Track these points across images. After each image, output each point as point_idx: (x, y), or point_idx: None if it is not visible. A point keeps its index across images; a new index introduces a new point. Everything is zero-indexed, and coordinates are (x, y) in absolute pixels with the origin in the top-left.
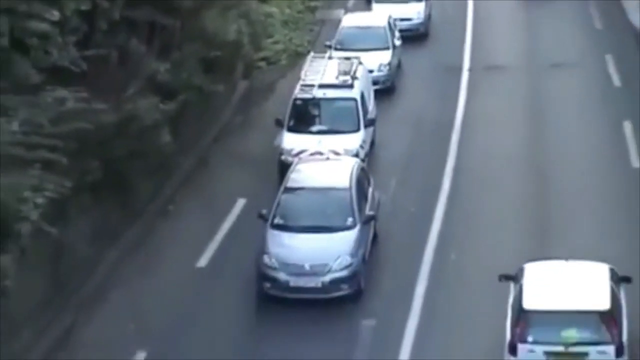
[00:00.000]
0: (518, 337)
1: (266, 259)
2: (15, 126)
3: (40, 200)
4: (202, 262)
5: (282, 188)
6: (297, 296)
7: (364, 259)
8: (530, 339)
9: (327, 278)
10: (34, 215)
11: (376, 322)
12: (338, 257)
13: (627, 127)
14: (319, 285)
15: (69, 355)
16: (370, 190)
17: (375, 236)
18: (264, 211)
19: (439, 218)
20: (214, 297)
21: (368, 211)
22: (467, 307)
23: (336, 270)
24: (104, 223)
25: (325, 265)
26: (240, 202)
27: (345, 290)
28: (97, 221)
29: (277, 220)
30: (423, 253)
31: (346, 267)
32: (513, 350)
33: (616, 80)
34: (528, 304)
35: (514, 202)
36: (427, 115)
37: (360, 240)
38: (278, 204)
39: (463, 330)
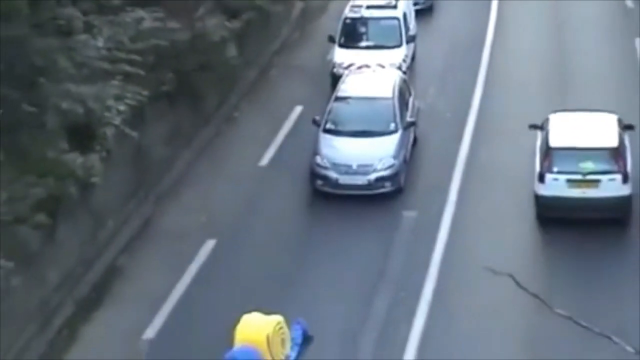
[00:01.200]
0: (546, 169)
1: (318, 159)
2: (100, 43)
3: (122, 108)
4: (264, 161)
5: (333, 97)
6: (345, 192)
7: (404, 160)
8: (555, 169)
9: (372, 177)
10: (117, 120)
11: (416, 213)
12: (382, 159)
13: (638, 42)
14: (365, 182)
15: (148, 242)
16: (411, 99)
17: (415, 140)
18: (317, 117)
19: (471, 122)
20: (274, 192)
21: (409, 118)
22: (497, 195)
23: (380, 170)
24: (178, 127)
25: (371, 165)
26: (298, 109)
27: (387, 187)
28: (171, 126)
29: (329, 126)
30: (457, 153)
31: (389, 167)
32: (542, 178)
33: (629, 3)
34: (553, 142)
35: (538, 98)
36: (462, 32)
37: (401, 144)
38: (329, 111)
39: (494, 212)
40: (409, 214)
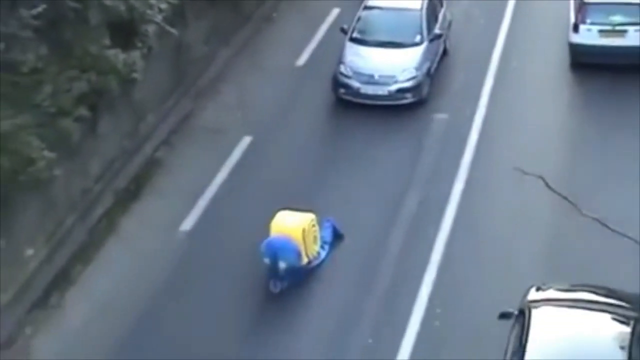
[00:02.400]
0: (580, 20)
1: (342, 67)
2: None
3: (163, 6)
4: (301, 61)
5: (362, 6)
6: (367, 102)
7: (428, 73)
8: (588, 21)
9: (394, 87)
10: (159, 17)
11: (447, 116)
12: (404, 70)
13: None
14: (386, 93)
15: (187, 137)
16: (442, 11)
17: (445, 52)
18: (345, 26)
19: (504, 30)
20: (310, 92)
21: (437, 30)
22: (527, 100)
23: (402, 81)
24: (218, 26)
25: (392, 76)
26: (335, 12)
27: (409, 99)
28: (211, 24)
29: (355, 35)
30: (490, 60)
31: (411, 78)
32: (576, 29)
33: None
34: None
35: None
36: None
37: (425, 56)
38: (357, 20)
39: (525, 112)
40: (439, 117)
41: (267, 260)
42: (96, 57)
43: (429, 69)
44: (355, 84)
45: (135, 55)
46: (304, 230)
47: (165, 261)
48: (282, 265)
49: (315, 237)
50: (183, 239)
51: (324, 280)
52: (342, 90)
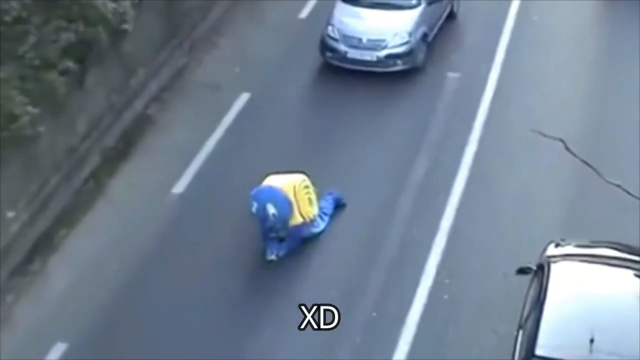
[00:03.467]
0: None
1: (329, 29)
2: None
3: None
4: (303, 13)
5: None
6: (354, 67)
7: (424, 38)
8: None
9: (382, 53)
10: None
11: (461, 74)
12: (395, 34)
13: None
14: (374, 59)
15: (180, 93)
16: None
17: (451, 14)
18: None
19: None
20: (311, 46)
21: None
22: (547, 57)
23: (392, 47)
24: None
25: (382, 40)
26: None
27: (399, 65)
28: None
29: None
30: (507, 14)
31: (403, 44)
32: None
33: None
34: None
35: None
36: None
37: (422, 20)
38: None
39: (545, 69)
40: (452, 76)
41: (254, 208)
42: (84, 5)
43: (425, 35)
44: (342, 47)
45: (126, 4)
46: (294, 187)
47: (156, 226)
48: (271, 209)
49: (310, 200)
50: (175, 201)
51: (324, 250)
52: (328, 54)
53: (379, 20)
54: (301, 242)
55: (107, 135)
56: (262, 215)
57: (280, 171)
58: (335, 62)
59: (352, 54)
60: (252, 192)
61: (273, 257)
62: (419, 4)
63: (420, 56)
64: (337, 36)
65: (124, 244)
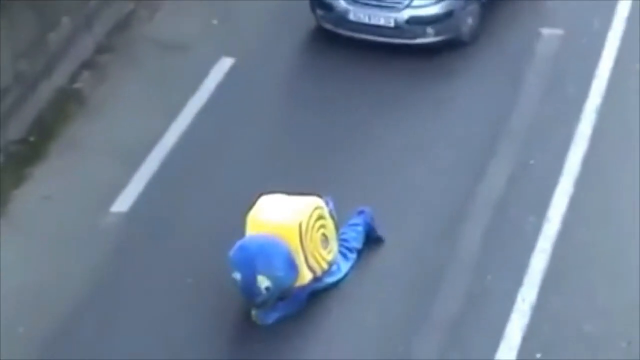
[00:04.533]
0: None
1: None
2: None
3: None
4: None
5: None
6: (359, 36)
7: None
8: None
9: (404, 15)
10: None
11: (564, 32)
12: None
13: None
14: (391, 24)
15: (125, 55)
16: None
17: None
18: None
19: None
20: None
21: None
22: None
23: (419, 6)
24: None
25: None
26: None
27: (430, 36)
28: None
29: None
30: None
31: (437, 1)
32: None
33: None
34: None
35: None
36: None
37: None
38: None
39: None
40: (550, 33)
41: (237, 277)
42: None
43: None
44: (341, 3)
45: None
46: (300, 228)
47: (85, 264)
48: (263, 283)
49: (324, 237)
50: (114, 225)
51: (346, 296)
52: (320, 12)
53: None
54: (302, 304)
55: (11, 123)
56: (250, 289)
57: (275, 190)
58: (329, 26)
59: (357, 14)
60: (234, 250)
61: (264, 322)
62: None
63: (467, 22)
64: None
65: (36, 297)
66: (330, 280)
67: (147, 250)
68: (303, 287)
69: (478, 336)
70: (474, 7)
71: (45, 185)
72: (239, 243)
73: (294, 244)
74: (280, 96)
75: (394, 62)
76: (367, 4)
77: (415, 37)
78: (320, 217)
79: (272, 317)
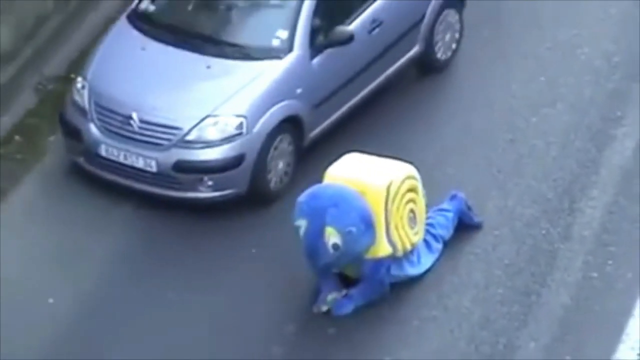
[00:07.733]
0: None
1: (78, 84)
2: None
3: None
4: None
5: None
6: (112, 178)
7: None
8: None
9: (171, 157)
10: None
11: None
12: (213, 112)
13: None
14: (151, 167)
15: None
16: None
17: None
18: None
19: None
20: None
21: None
22: None
23: (197, 142)
24: None
25: (175, 126)
26: None
27: (207, 191)
28: None
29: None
30: None
31: (226, 138)
32: None
33: None
34: None
35: None
36: None
37: (297, 83)
38: None
39: None
40: None
41: (302, 225)
42: None
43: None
44: (92, 132)
45: None
46: (389, 190)
47: None
48: (332, 237)
49: (412, 214)
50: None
51: (439, 282)
52: (67, 142)
53: (189, 74)
54: (382, 289)
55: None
56: (314, 244)
57: (366, 150)
58: (81, 161)
59: (109, 148)
60: (301, 198)
61: (324, 307)
62: (289, 49)
63: (277, 168)
64: (85, 103)
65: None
66: (411, 271)
67: None
68: (379, 262)
69: (594, 333)
70: (288, 147)
71: None
72: (310, 189)
73: (376, 208)
74: None
75: None
76: (123, 136)
77: (185, 190)
78: (412, 189)
79: (348, 307)
